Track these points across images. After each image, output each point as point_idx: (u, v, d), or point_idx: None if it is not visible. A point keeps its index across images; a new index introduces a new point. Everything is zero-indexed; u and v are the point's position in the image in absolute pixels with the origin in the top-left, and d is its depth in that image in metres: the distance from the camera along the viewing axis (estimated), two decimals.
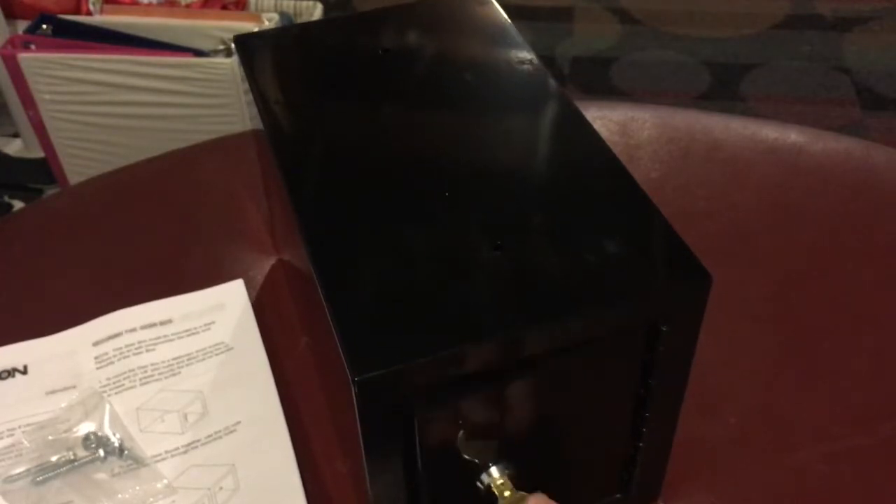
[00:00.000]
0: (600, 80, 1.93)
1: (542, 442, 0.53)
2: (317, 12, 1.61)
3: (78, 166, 1.55)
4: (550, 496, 0.44)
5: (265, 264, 0.67)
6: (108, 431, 0.54)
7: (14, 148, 1.78)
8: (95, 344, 0.60)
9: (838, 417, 0.55)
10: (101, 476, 0.52)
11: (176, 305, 0.62)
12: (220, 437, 0.55)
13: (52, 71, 1.42)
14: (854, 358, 0.59)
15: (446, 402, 0.46)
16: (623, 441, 0.48)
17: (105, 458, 0.53)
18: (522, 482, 0.48)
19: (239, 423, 0.55)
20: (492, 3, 0.60)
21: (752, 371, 0.58)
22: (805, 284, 0.64)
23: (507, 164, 0.47)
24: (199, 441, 0.54)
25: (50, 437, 0.54)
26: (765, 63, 1.95)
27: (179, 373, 0.58)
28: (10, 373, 0.59)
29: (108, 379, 0.58)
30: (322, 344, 0.49)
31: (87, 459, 0.53)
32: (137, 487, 0.52)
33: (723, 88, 1.89)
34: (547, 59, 1.70)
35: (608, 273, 0.41)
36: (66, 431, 0.54)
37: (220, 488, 0.52)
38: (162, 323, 0.61)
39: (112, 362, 0.59)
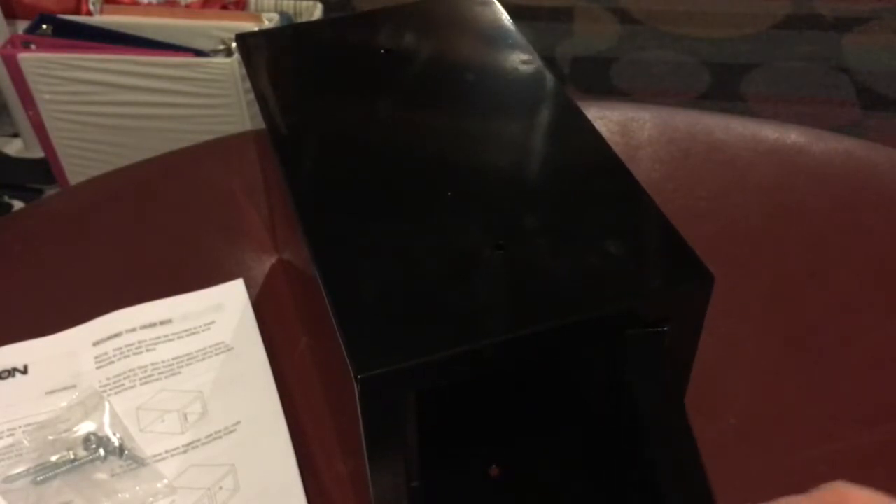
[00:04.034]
0: (600, 80, 1.93)
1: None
2: (317, 12, 1.62)
3: (78, 166, 1.55)
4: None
5: (265, 264, 0.67)
6: (108, 431, 0.54)
7: (14, 148, 1.78)
8: (95, 344, 0.60)
9: (838, 417, 0.55)
10: (101, 476, 0.52)
11: (176, 305, 0.62)
12: (220, 437, 0.55)
13: (52, 71, 1.42)
14: (854, 358, 0.59)
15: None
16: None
17: (105, 457, 0.53)
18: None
19: (239, 423, 0.55)
20: (493, 2, 0.60)
21: (752, 371, 0.58)
22: (805, 284, 0.64)
23: (509, 163, 0.47)
24: (199, 441, 0.54)
25: (50, 437, 0.54)
26: (765, 63, 1.95)
27: (179, 373, 0.58)
28: (11, 373, 0.59)
29: (108, 379, 0.58)
30: (323, 343, 0.49)
31: (87, 459, 0.53)
32: (137, 487, 0.52)
33: (723, 88, 1.89)
34: (547, 59, 1.70)
35: (610, 272, 0.41)
36: (66, 431, 0.54)
37: (220, 488, 0.52)
38: (162, 323, 0.61)
39: (112, 362, 0.59)
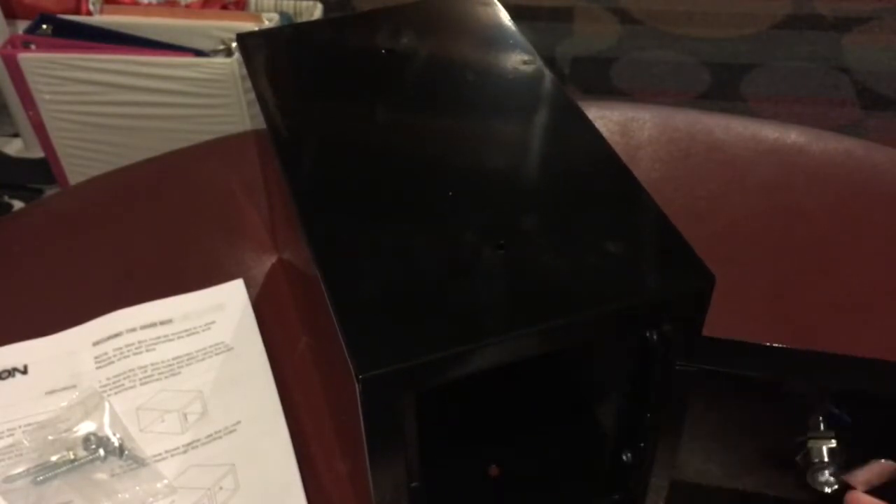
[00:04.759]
0: (600, 80, 1.93)
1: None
2: (317, 12, 1.61)
3: (78, 166, 1.55)
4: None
5: (265, 264, 0.67)
6: (108, 431, 0.54)
7: (14, 148, 1.78)
8: (95, 344, 0.60)
9: None
10: (101, 476, 0.52)
11: (176, 305, 0.62)
12: (220, 437, 0.55)
13: (52, 71, 1.42)
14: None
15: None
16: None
17: (105, 457, 0.53)
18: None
19: (239, 423, 0.55)
20: (493, 2, 0.60)
21: None
22: (805, 284, 0.64)
23: (510, 163, 0.47)
24: (199, 441, 0.54)
25: (50, 437, 0.54)
26: (765, 63, 1.95)
27: (179, 373, 0.58)
28: (10, 373, 0.59)
29: (108, 379, 0.58)
30: (323, 343, 0.49)
31: (87, 459, 0.53)
32: (137, 487, 0.52)
33: (723, 88, 1.89)
34: (547, 59, 1.70)
35: (610, 272, 0.41)
36: (66, 431, 0.54)
37: (220, 488, 0.52)
38: (162, 323, 0.61)
39: (112, 362, 0.59)
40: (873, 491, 0.42)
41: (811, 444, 0.41)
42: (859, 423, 0.41)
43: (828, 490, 0.42)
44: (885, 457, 0.41)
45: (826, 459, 0.41)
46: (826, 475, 0.42)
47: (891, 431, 0.41)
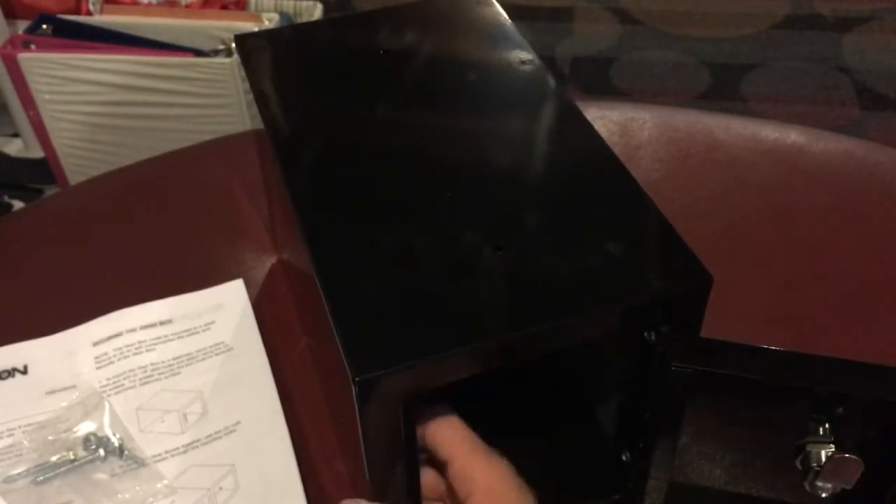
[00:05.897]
0: (600, 80, 1.93)
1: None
2: (317, 12, 1.61)
3: (78, 166, 1.55)
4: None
5: (265, 264, 0.67)
6: (108, 431, 0.54)
7: (14, 148, 1.78)
8: (95, 344, 0.60)
9: None
10: (101, 476, 0.52)
11: (176, 305, 0.62)
12: (220, 437, 0.55)
13: (52, 71, 1.42)
14: (855, 358, 0.59)
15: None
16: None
17: (105, 458, 0.53)
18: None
19: (239, 423, 0.55)
20: (493, 2, 0.60)
21: None
22: (805, 284, 0.64)
23: (509, 164, 0.47)
24: (199, 441, 0.54)
25: (50, 437, 0.54)
26: (765, 63, 1.95)
27: (179, 373, 0.58)
28: (10, 373, 0.59)
29: (108, 379, 0.58)
30: (322, 343, 0.49)
31: (87, 459, 0.53)
32: (137, 487, 0.52)
33: (723, 88, 1.89)
34: (547, 59, 1.69)
35: (609, 273, 0.41)
36: (66, 431, 0.54)
37: (220, 488, 0.52)
38: (162, 323, 0.61)
39: (112, 362, 0.59)
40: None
41: (810, 448, 0.41)
42: (858, 427, 0.41)
43: (825, 495, 0.42)
44: (884, 461, 0.41)
45: (825, 464, 0.41)
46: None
47: (890, 436, 0.41)
